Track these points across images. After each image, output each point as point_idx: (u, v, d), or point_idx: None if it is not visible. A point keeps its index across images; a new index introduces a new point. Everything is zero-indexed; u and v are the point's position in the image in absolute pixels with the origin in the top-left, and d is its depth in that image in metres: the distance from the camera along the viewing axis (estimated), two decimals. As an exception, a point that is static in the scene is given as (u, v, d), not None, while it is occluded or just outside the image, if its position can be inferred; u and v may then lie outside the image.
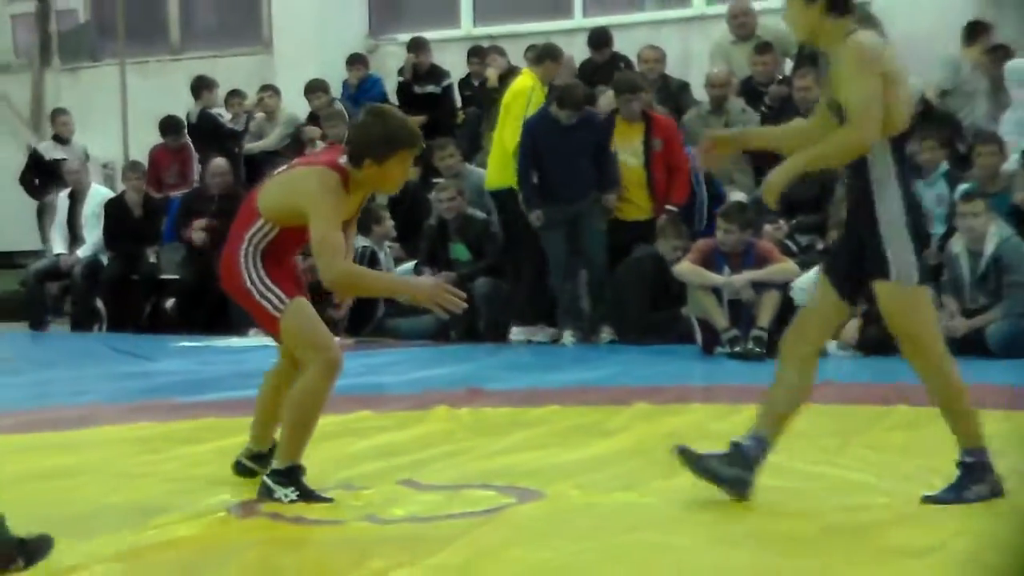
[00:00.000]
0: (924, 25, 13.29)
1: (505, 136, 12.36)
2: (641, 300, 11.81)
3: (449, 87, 15.45)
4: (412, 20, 16.91)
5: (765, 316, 10.56)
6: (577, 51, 14.06)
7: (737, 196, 12.00)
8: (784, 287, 10.66)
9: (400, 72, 15.61)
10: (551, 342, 12.08)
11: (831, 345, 10.64)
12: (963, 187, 11.06)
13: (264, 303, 5.68)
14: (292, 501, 5.57)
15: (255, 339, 12.48)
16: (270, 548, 5.05)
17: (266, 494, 5.64)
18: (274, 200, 5.71)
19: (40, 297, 15.08)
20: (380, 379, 9.67)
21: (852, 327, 10.46)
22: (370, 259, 12.73)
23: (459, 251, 12.58)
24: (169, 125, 15.65)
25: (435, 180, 13.19)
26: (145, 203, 14.80)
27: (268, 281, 5.69)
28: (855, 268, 5.39)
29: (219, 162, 14.31)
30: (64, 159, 15.61)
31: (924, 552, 4.63)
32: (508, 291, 12.44)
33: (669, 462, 6.29)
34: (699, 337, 11.03)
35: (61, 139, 16.10)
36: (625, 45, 14.30)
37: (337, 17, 16.94)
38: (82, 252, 14.73)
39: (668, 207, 12.00)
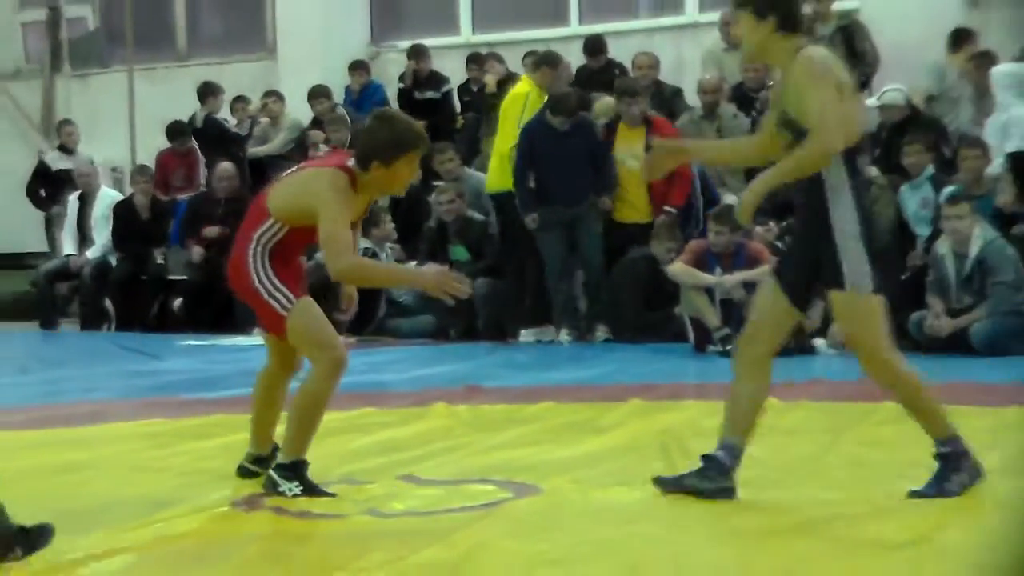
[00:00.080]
0: (913, 33, 13.32)
1: (500, 139, 12.40)
2: (635, 300, 11.83)
3: (448, 93, 15.46)
4: (413, 28, 16.92)
5: (756, 315, 10.54)
6: (573, 58, 14.07)
7: (729, 199, 12.02)
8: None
9: (401, 78, 15.62)
10: (550, 341, 12.11)
11: (820, 343, 10.67)
12: (948, 190, 11.06)
13: (272, 302, 5.68)
14: (296, 495, 5.58)
15: (260, 338, 12.49)
16: (274, 541, 5.06)
17: (271, 487, 5.65)
18: (284, 200, 5.71)
19: (50, 297, 15.09)
20: (381, 377, 9.68)
21: (838, 327, 10.48)
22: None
23: (458, 252, 12.59)
24: (176, 130, 15.67)
25: (435, 183, 13.21)
26: (153, 206, 14.82)
27: (276, 281, 5.69)
28: (807, 276, 5.35)
29: (226, 166, 14.31)
30: (70, 169, 15.62)
31: (906, 545, 4.63)
32: (506, 291, 12.45)
33: (663, 457, 6.32)
34: (692, 336, 11.05)
35: (67, 149, 16.10)
36: (620, 52, 14.32)
37: (340, 25, 16.96)
38: (91, 253, 14.74)
39: (666, 208, 12.00)
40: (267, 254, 5.71)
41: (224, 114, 16.02)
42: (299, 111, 15.61)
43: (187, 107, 16.05)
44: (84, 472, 6.33)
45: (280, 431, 5.95)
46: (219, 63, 17.54)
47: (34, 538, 4.53)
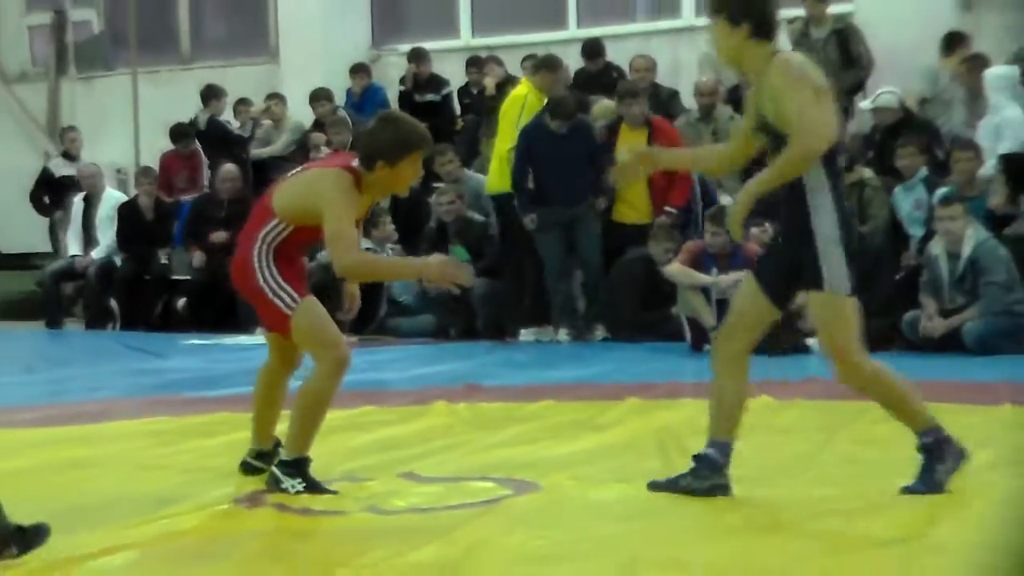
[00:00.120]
0: (907, 37, 13.32)
1: (498, 142, 12.41)
2: (633, 300, 11.84)
3: (448, 95, 15.47)
4: (413, 31, 16.93)
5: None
6: (571, 61, 14.07)
7: (726, 200, 12.01)
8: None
9: (401, 81, 15.63)
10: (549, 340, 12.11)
11: (813, 342, 10.65)
12: (941, 191, 11.07)
13: (277, 301, 5.68)
14: (298, 492, 5.57)
15: (262, 337, 12.49)
16: (276, 537, 5.06)
17: (274, 484, 5.64)
18: (289, 200, 5.71)
19: (56, 297, 15.08)
20: (382, 376, 9.68)
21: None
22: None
23: (458, 253, 12.57)
24: (179, 132, 15.67)
25: (435, 185, 13.21)
26: (157, 207, 14.82)
27: (281, 280, 5.69)
28: (787, 276, 5.33)
29: (229, 168, 14.31)
30: (72, 176, 15.64)
31: (899, 541, 4.63)
32: (505, 291, 12.45)
33: (660, 455, 6.32)
34: (688, 335, 11.05)
35: (70, 156, 16.10)
36: (617, 55, 14.32)
37: (341, 28, 16.96)
38: (96, 254, 14.73)
39: (667, 209, 12.00)
40: (272, 253, 5.71)
41: (227, 116, 16.03)
42: (301, 113, 15.61)
43: (190, 109, 16.05)
44: (89, 469, 6.34)
45: (281, 428, 5.96)
46: (222, 66, 17.54)
47: (30, 537, 4.51)
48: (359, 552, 4.62)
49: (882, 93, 12.50)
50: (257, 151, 15.45)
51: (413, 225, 13.01)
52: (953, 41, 12.88)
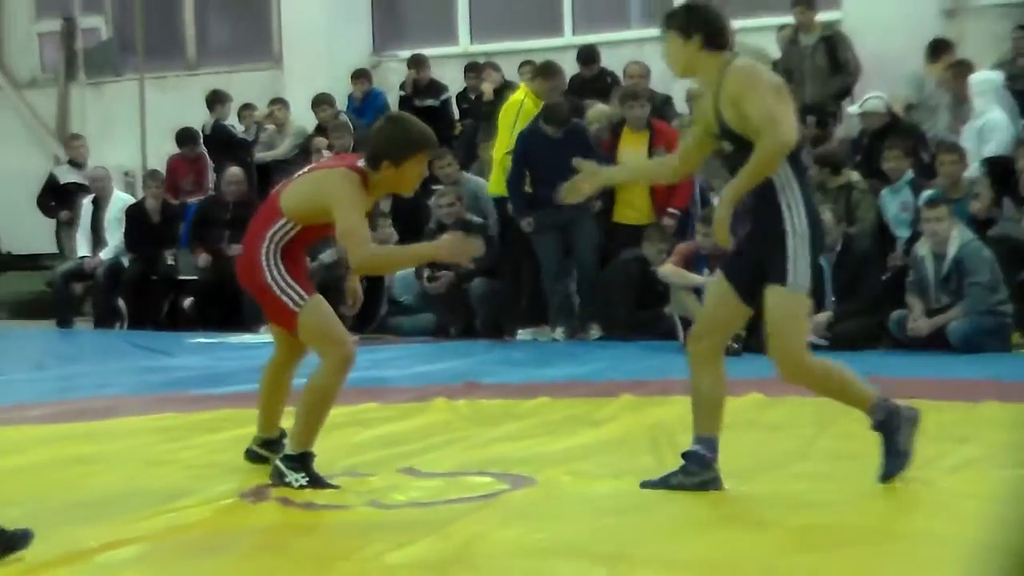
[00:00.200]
0: (894, 44, 13.33)
1: (496, 146, 12.42)
2: (627, 299, 11.83)
3: (447, 101, 15.47)
4: (413, 38, 16.93)
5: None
6: (567, 67, 14.05)
7: (717, 202, 12.00)
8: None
9: (401, 86, 15.64)
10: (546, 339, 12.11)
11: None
12: (927, 194, 11.07)
13: (285, 299, 5.68)
14: (302, 486, 5.57)
15: (267, 335, 12.49)
16: (280, 531, 5.06)
17: (278, 478, 5.64)
18: (297, 200, 5.71)
19: (66, 297, 15.08)
20: (383, 373, 9.67)
21: (823, 318, 10.55)
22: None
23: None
24: (185, 136, 15.69)
25: (434, 187, 13.20)
26: (163, 209, 14.81)
27: (288, 278, 5.69)
28: (757, 275, 5.30)
29: (235, 171, 14.31)
30: (78, 182, 15.64)
31: (883, 536, 4.64)
32: (504, 291, 12.46)
33: (653, 451, 6.32)
34: (681, 334, 11.03)
35: (76, 163, 16.10)
36: (612, 61, 14.32)
37: (343, 35, 16.96)
38: (105, 255, 14.73)
39: (670, 211, 12.00)
40: (279, 252, 5.72)
41: (232, 121, 16.03)
42: (304, 118, 15.60)
43: (196, 114, 16.05)
44: (98, 465, 6.33)
45: (286, 424, 5.96)
46: (227, 72, 17.53)
47: (14, 540, 4.45)
48: (360, 545, 4.63)
49: (869, 98, 12.51)
50: (261, 155, 15.44)
51: (413, 227, 12.99)
52: (938, 48, 12.89)
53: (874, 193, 11.64)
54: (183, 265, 14.57)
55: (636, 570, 4.28)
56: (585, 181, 5.67)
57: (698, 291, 10.79)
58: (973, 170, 11.43)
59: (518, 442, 6.71)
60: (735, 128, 5.22)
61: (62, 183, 15.88)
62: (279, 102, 15.74)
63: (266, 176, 14.57)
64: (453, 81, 15.53)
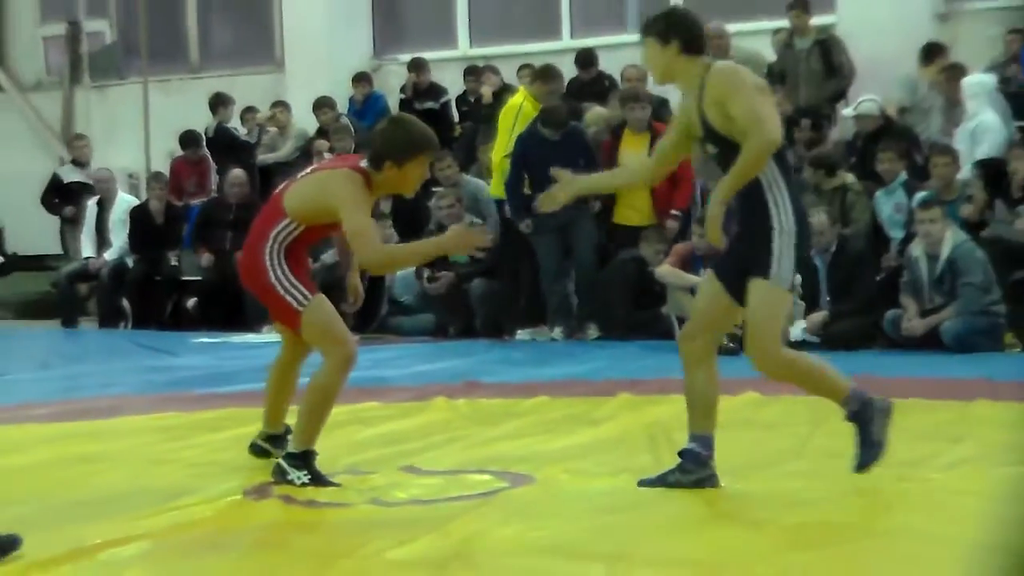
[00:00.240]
0: (888, 48, 13.33)
1: (495, 149, 12.41)
2: (625, 300, 11.82)
3: (447, 103, 15.46)
4: (413, 42, 16.93)
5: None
6: (565, 70, 14.05)
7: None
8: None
9: (402, 89, 15.63)
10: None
11: (797, 330, 10.65)
12: (921, 195, 11.06)
13: (288, 298, 5.68)
14: (304, 484, 5.57)
15: (269, 335, 12.48)
16: (283, 529, 5.06)
17: (280, 476, 5.64)
18: (301, 201, 5.71)
19: (71, 297, 15.06)
20: (384, 373, 9.65)
21: (818, 318, 10.55)
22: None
23: (456, 255, 12.57)
24: (189, 138, 15.69)
25: (434, 189, 13.20)
26: (167, 210, 14.81)
27: (292, 278, 5.69)
28: (745, 272, 5.29)
29: (237, 173, 14.30)
30: (81, 181, 15.64)
31: (876, 532, 4.64)
32: (503, 291, 12.45)
33: (651, 449, 6.31)
34: (678, 334, 11.01)
35: (79, 163, 16.09)
36: (610, 64, 14.30)
37: (344, 39, 16.96)
38: (109, 255, 14.71)
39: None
40: (283, 252, 5.71)
41: (234, 124, 16.03)
42: (305, 121, 15.60)
43: (199, 117, 16.04)
44: (102, 463, 6.33)
45: (291, 422, 5.96)
46: (230, 75, 17.53)
47: (4, 545, 4.44)
48: (362, 543, 4.62)
49: (863, 101, 12.50)
50: (263, 157, 15.44)
51: (413, 228, 12.99)
52: (931, 51, 12.89)
53: (868, 195, 11.63)
54: (186, 266, 14.56)
55: (634, 568, 4.28)
56: (561, 190, 5.65)
57: (695, 292, 10.76)
58: (966, 172, 11.42)
59: (517, 440, 6.71)
60: (720, 129, 5.23)
61: (66, 182, 15.87)
62: (281, 105, 15.74)
63: (268, 178, 14.57)
64: (453, 84, 15.52)
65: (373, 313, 12.68)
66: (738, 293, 5.34)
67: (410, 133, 5.67)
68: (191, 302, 14.47)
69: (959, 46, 13.12)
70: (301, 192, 5.74)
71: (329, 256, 12.16)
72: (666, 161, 5.63)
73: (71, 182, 15.83)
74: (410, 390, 8.67)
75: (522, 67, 14.39)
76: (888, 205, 11.47)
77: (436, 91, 15.43)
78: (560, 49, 15.48)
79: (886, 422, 5.35)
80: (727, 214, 5.25)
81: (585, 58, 14.27)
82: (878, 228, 11.51)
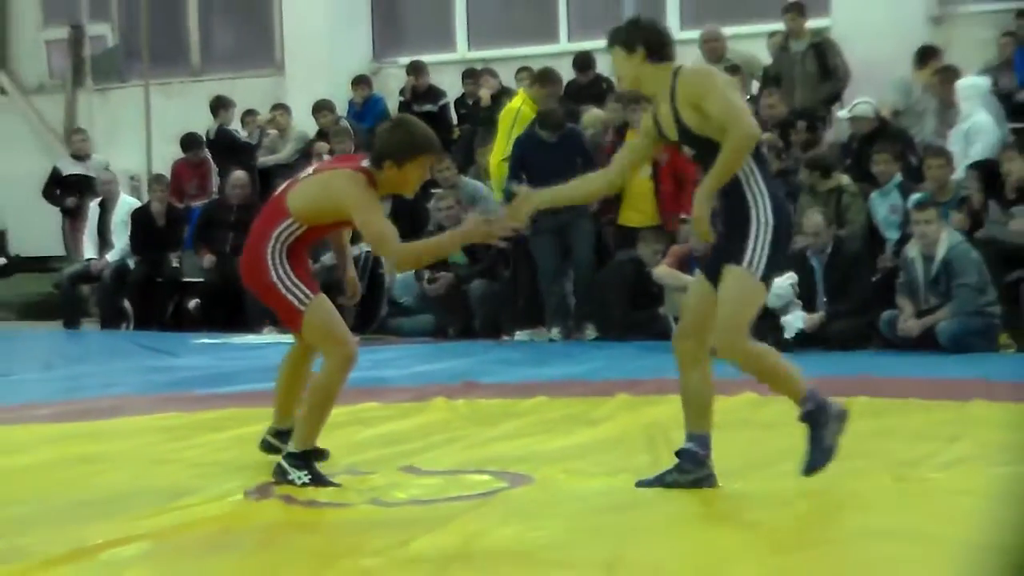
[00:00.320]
0: (883, 51, 13.31)
1: (493, 152, 12.40)
2: (622, 300, 11.81)
3: (446, 106, 15.45)
4: (412, 45, 16.91)
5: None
6: (563, 73, 14.05)
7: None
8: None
9: (401, 92, 15.63)
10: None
11: (790, 318, 10.62)
12: (916, 197, 11.05)
13: (290, 298, 5.66)
14: (304, 484, 5.55)
15: (270, 336, 12.47)
16: (283, 529, 5.04)
17: (281, 475, 5.62)
18: (304, 201, 5.69)
19: (73, 298, 15.05)
20: (383, 373, 9.64)
21: (815, 319, 10.55)
22: (372, 264, 12.72)
23: (456, 255, 12.56)
24: (190, 141, 15.69)
25: (433, 191, 13.19)
26: (168, 212, 14.79)
27: (294, 277, 5.68)
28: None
29: (239, 174, 14.29)
30: (80, 173, 15.63)
31: (871, 533, 4.61)
32: (502, 292, 12.44)
33: (649, 449, 6.29)
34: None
35: (78, 156, 16.09)
36: (607, 67, 14.28)
37: (344, 42, 16.95)
38: (111, 257, 14.70)
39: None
40: (285, 251, 5.70)
41: (235, 126, 16.02)
42: (305, 123, 15.59)
43: (200, 119, 16.03)
44: (103, 463, 6.31)
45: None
46: (231, 78, 17.52)
47: None
48: (362, 543, 4.61)
49: (858, 103, 12.49)
50: (263, 159, 15.43)
51: (413, 229, 12.98)
52: (926, 54, 12.88)
53: (864, 196, 11.62)
54: (188, 267, 14.55)
55: (633, 568, 4.26)
56: (521, 204, 5.60)
57: (692, 292, 10.78)
58: (960, 173, 11.41)
59: (516, 441, 6.69)
60: (696, 130, 5.22)
61: (65, 174, 15.88)
62: (281, 108, 15.73)
63: (268, 180, 14.55)
64: (451, 87, 15.52)
65: (373, 314, 12.67)
66: None
67: (411, 134, 5.66)
68: (192, 303, 14.45)
69: (953, 49, 13.11)
70: (305, 193, 5.72)
71: (329, 258, 12.13)
72: (627, 169, 5.60)
73: (70, 174, 15.83)
74: (409, 390, 8.65)
75: (520, 70, 14.38)
76: (883, 206, 11.46)
77: (435, 94, 15.43)
78: (558, 52, 15.47)
79: (840, 428, 5.30)
80: (712, 214, 5.22)
81: (583, 61, 14.26)
82: (874, 229, 11.50)
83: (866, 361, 9.70)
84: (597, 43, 15.20)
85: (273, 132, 15.66)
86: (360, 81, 15.93)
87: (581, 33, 15.96)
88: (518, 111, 12.33)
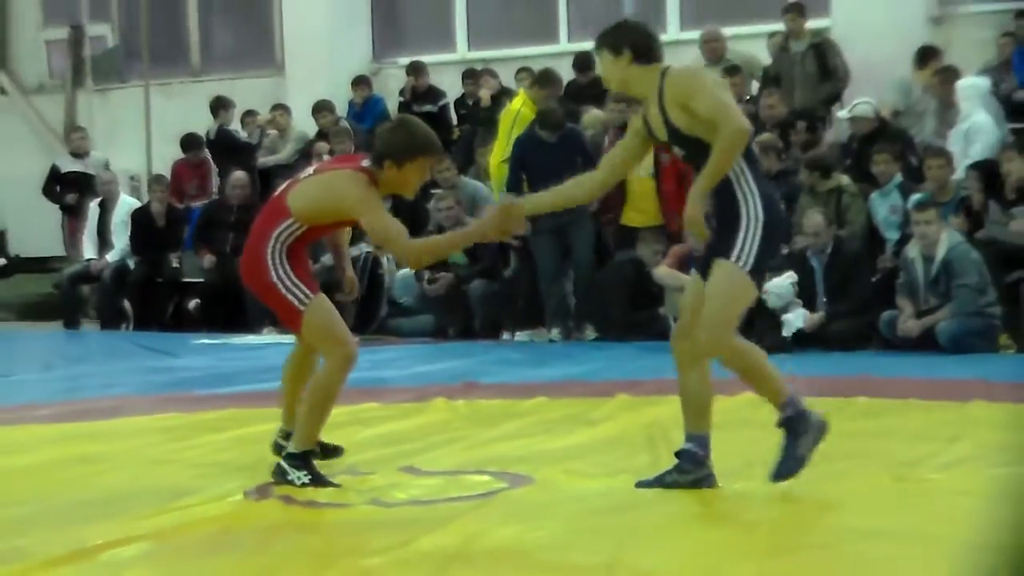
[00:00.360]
0: (883, 51, 13.32)
1: (493, 152, 12.40)
2: (622, 300, 11.81)
3: (445, 106, 15.45)
4: (412, 45, 16.91)
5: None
6: (563, 73, 14.05)
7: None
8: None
9: (401, 93, 15.62)
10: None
11: (790, 316, 10.61)
12: (916, 197, 11.05)
13: (290, 297, 5.66)
14: (304, 484, 5.55)
15: (270, 336, 12.47)
16: (283, 529, 5.03)
17: (280, 476, 5.62)
18: (305, 201, 5.69)
19: (73, 299, 15.05)
20: (383, 374, 9.64)
21: (815, 319, 10.54)
22: (372, 265, 12.72)
23: (456, 255, 12.56)
24: (190, 141, 15.69)
25: (433, 191, 13.19)
26: (168, 213, 14.79)
27: (293, 277, 5.68)
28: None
29: (239, 175, 14.29)
30: (80, 171, 15.64)
31: (870, 533, 4.61)
32: (501, 292, 12.44)
33: (649, 449, 6.29)
34: (674, 335, 11.01)
35: (77, 154, 16.10)
36: (606, 68, 14.27)
37: (344, 43, 16.95)
38: (111, 257, 14.71)
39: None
40: (285, 251, 5.69)
41: (235, 126, 16.02)
42: (305, 124, 15.59)
43: (200, 120, 16.04)
44: (103, 463, 6.30)
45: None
46: (231, 78, 17.52)
47: None
48: (362, 543, 4.61)
49: (858, 103, 12.49)
50: (263, 159, 15.43)
51: (413, 229, 12.97)
52: (925, 55, 12.88)
53: (864, 196, 11.62)
54: (187, 267, 14.55)
55: (632, 568, 4.25)
56: (508, 216, 5.58)
57: (692, 292, 10.77)
58: (960, 174, 11.41)
59: (516, 441, 6.69)
60: (684, 130, 5.22)
61: (64, 172, 15.89)
62: (281, 108, 15.73)
63: (268, 180, 14.55)
64: (451, 87, 15.52)
65: (373, 314, 12.67)
66: None
67: (412, 135, 5.66)
68: (192, 304, 14.45)
69: (953, 49, 13.11)
70: (306, 193, 5.72)
71: (329, 258, 12.15)
72: (615, 172, 5.60)
73: (69, 172, 15.84)
74: (409, 391, 8.65)
75: (520, 70, 14.38)
76: (883, 207, 11.46)
77: (435, 94, 15.43)
78: (558, 52, 15.48)
79: (816, 440, 5.24)
80: (706, 216, 5.21)
81: (583, 61, 14.25)
82: (873, 229, 11.50)
83: (866, 361, 9.70)
84: (597, 43, 15.27)
85: (273, 132, 15.67)
86: (360, 81, 15.93)
87: (581, 33, 15.94)
88: (518, 112, 12.33)
